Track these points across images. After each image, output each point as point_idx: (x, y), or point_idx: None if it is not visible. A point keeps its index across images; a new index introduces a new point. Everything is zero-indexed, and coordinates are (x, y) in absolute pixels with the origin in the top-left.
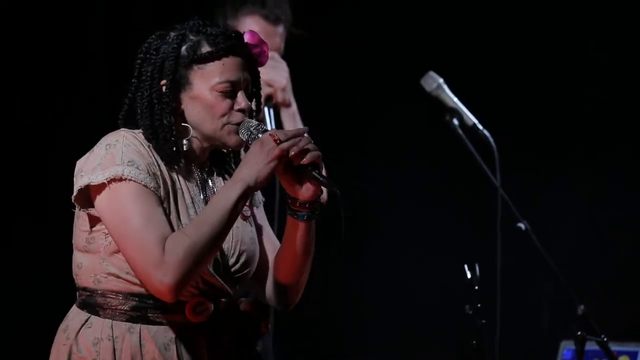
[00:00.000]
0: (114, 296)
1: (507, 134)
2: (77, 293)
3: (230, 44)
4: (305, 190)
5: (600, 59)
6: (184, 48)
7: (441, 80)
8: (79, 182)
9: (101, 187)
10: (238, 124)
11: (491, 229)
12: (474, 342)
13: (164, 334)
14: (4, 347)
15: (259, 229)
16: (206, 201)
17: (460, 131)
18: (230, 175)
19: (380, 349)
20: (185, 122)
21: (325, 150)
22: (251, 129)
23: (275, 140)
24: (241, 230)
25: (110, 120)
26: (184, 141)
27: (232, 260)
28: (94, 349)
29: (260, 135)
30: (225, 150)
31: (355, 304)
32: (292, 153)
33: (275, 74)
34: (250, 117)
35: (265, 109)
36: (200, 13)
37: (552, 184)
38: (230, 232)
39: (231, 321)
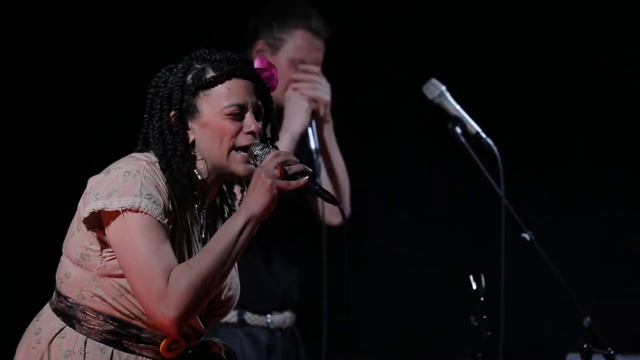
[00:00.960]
0: (95, 316)
1: (510, 143)
2: (57, 297)
3: (234, 67)
4: None
5: (606, 66)
6: (189, 77)
7: (443, 88)
8: (92, 204)
9: (115, 214)
10: (246, 148)
11: (495, 240)
12: (479, 354)
13: None
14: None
15: None
16: (205, 241)
17: (463, 140)
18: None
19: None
20: (197, 151)
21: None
22: (257, 151)
23: (280, 170)
24: (230, 275)
25: (109, 119)
26: (196, 171)
27: (218, 304)
28: None
29: (265, 157)
30: (237, 187)
31: (358, 315)
32: (294, 184)
33: (320, 90)
34: (264, 141)
35: (311, 126)
36: (198, 17)
37: (558, 193)
38: None
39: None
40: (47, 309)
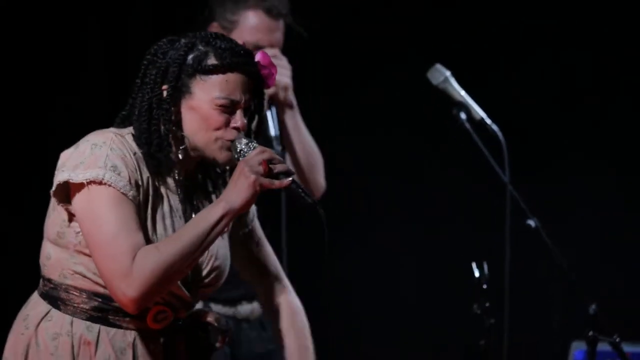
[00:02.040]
0: (78, 294)
1: (516, 129)
2: (42, 282)
3: (237, 61)
4: None
5: (611, 54)
6: (190, 57)
7: (448, 73)
8: (59, 176)
9: (80, 186)
10: (231, 141)
11: (500, 227)
12: (482, 342)
13: (122, 337)
14: None
15: (257, 243)
16: (185, 211)
17: (467, 126)
18: (215, 189)
19: (386, 349)
20: (181, 130)
21: (332, 143)
22: (242, 145)
23: (264, 168)
24: (216, 245)
25: (109, 118)
26: (176, 150)
27: (203, 274)
28: (52, 343)
29: (250, 153)
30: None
31: (359, 303)
32: (277, 184)
33: (279, 73)
34: (248, 135)
35: (268, 111)
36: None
37: (563, 179)
38: None
39: (189, 331)
40: (34, 295)
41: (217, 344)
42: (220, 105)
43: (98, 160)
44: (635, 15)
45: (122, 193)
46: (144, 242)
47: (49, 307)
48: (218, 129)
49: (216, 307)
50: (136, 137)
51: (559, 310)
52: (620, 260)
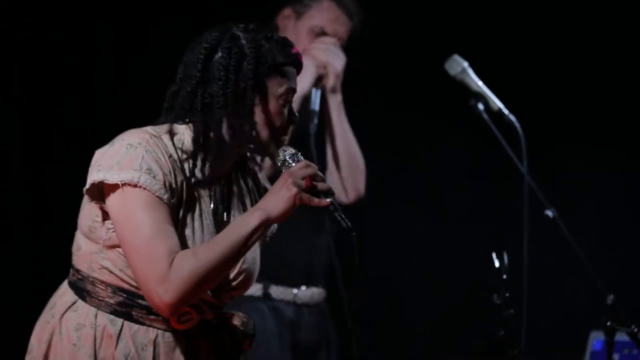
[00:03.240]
0: (103, 287)
1: (534, 119)
2: (71, 271)
3: (295, 57)
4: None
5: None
6: (261, 54)
7: (466, 64)
8: (94, 175)
9: (115, 187)
10: (284, 141)
11: (518, 217)
12: (502, 332)
13: (144, 334)
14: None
15: None
16: (215, 213)
17: (485, 116)
18: (250, 192)
19: (407, 337)
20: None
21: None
22: (287, 156)
23: (307, 184)
24: None
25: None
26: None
27: (231, 277)
28: (75, 334)
29: (293, 164)
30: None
31: (380, 292)
32: (317, 202)
33: (333, 57)
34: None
35: (314, 90)
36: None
37: (581, 170)
38: None
39: (215, 334)
40: (64, 283)
41: (244, 347)
42: (284, 100)
43: (133, 162)
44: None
45: (157, 196)
46: (179, 245)
47: (75, 297)
48: (279, 125)
49: (277, 290)
50: (194, 130)
51: (577, 300)
52: (637, 251)
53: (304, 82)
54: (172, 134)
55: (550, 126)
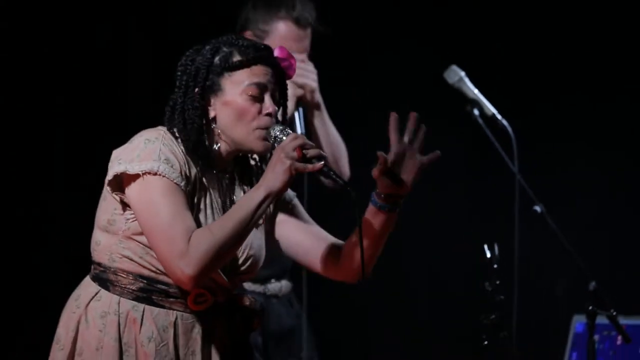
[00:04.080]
0: (125, 275)
1: (524, 123)
2: (92, 266)
3: (260, 55)
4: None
5: (616, 44)
6: (217, 58)
7: (463, 74)
8: (116, 168)
9: (135, 177)
10: (266, 128)
11: (509, 212)
12: (493, 316)
13: (165, 317)
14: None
15: (305, 216)
16: (223, 205)
17: (480, 121)
18: (252, 183)
19: (406, 322)
20: (217, 127)
21: (349, 135)
22: (277, 132)
23: (299, 154)
24: (251, 236)
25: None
26: (215, 145)
27: (239, 262)
28: (101, 321)
29: (284, 139)
30: (252, 159)
31: (376, 283)
32: (310, 167)
33: (306, 77)
34: (279, 122)
35: (296, 112)
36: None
37: (566, 168)
38: None
39: (228, 314)
40: (86, 278)
41: (254, 326)
42: (250, 95)
43: (152, 154)
44: (637, 11)
45: (175, 183)
46: (195, 225)
47: (98, 288)
48: (253, 119)
49: (247, 284)
50: (179, 137)
51: (562, 287)
52: (617, 242)
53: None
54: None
55: (539, 129)
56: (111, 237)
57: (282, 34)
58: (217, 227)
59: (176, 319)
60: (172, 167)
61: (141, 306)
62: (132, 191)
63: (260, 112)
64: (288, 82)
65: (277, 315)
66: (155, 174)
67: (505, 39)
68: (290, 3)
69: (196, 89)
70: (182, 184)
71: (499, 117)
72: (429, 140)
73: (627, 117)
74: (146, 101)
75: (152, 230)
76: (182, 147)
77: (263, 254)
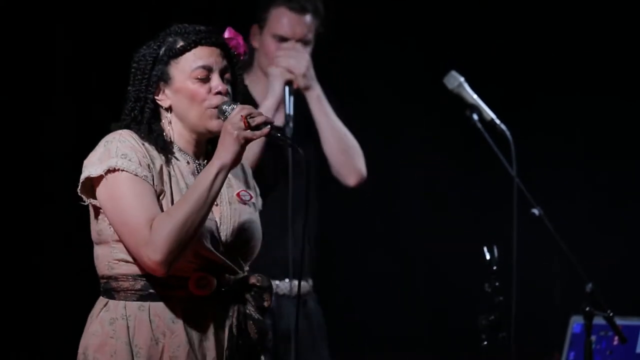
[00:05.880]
0: (125, 279)
1: (522, 128)
2: (100, 282)
3: (200, 37)
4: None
5: (613, 49)
6: (162, 49)
7: (462, 79)
8: (82, 175)
9: (100, 178)
10: (217, 107)
11: (508, 215)
12: (492, 317)
13: (172, 309)
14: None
15: None
16: None
17: (479, 125)
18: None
19: (403, 325)
20: (172, 115)
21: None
22: (227, 108)
23: (244, 122)
24: (238, 212)
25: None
26: (171, 132)
27: (230, 239)
28: (110, 327)
29: (234, 109)
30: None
31: (378, 283)
32: (258, 134)
33: (294, 62)
34: (234, 100)
35: (286, 94)
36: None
37: (564, 171)
38: (228, 212)
39: (237, 295)
40: (99, 297)
41: (265, 303)
42: (198, 78)
43: (110, 153)
44: (635, 13)
45: (134, 174)
46: (159, 212)
47: (106, 300)
48: (203, 100)
49: None
50: (139, 133)
51: (559, 289)
52: (613, 244)
53: (274, 90)
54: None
55: (537, 131)
56: (104, 247)
57: (276, 20)
58: (175, 208)
59: (183, 307)
60: (130, 160)
61: (146, 304)
62: (99, 193)
63: (209, 92)
64: (276, 65)
65: (287, 315)
66: (115, 170)
67: (504, 42)
68: None
69: (144, 81)
70: (142, 174)
71: (497, 121)
72: (429, 143)
73: (626, 119)
74: None
75: (118, 224)
76: (142, 142)
77: (256, 229)
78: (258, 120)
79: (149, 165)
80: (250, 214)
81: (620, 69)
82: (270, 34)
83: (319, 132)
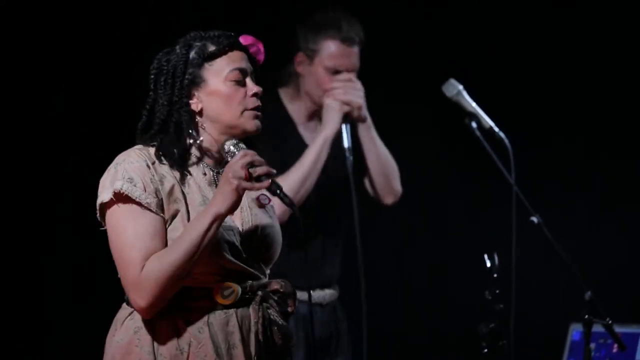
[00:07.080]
0: None
1: (521, 136)
2: (124, 291)
3: (232, 41)
4: None
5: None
6: (192, 52)
7: (461, 87)
8: (97, 201)
9: (110, 203)
10: (255, 109)
11: (507, 223)
12: (493, 324)
13: (197, 318)
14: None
15: None
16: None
17: (478, 133)
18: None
19: (403, 332)
20: (203, 119)
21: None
22: (230, 147)
23: (245, 173)
24: (258, 217)
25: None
26: (198, 139)
27: (252, 245)
28: (135, 336)
29: (237, 153)
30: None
31: (383, 291)
32: (258, 186)
33: (352, 95)
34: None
35: (343, 126)
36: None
37: (562, 179)
38: (248, 218)
39: (261, 302)
40: (122, 305)
41: (289, 309)
42: (234, 80)
43: (118, 175)
44: (634, 17)
45: (138, 202)
46: (158, 248)
47: (131, 309)
48: (240, 102)
49: None
50: (156, 142)
51: (559, 296)
52: (612, 252)
53: (332, 123)
54: (156, 144)
55: (535, 138)
56: None
57: (330, 53)
58: (166, 254)
59: (209, 317)
60: (135, 185)
61: (171, 315)
62: (107, 220)
63: (245, 94)
64: (334, 99)
65: (321, 322)
66: (120, 193)
67: (502, 50)
68: (337, 23)
69: (177, 84)
70: (146, 201)
71: (496, 129)
72: (428, 151)
73: (626, 129)
74: None
75: (115, 256)
76: (154, 160)
77: (275, 232)
78: (260, 171)
79: (156, 191)
80: (270, 217)
81: (618, 77)
82: (322, 66)
83: (365, 157)
